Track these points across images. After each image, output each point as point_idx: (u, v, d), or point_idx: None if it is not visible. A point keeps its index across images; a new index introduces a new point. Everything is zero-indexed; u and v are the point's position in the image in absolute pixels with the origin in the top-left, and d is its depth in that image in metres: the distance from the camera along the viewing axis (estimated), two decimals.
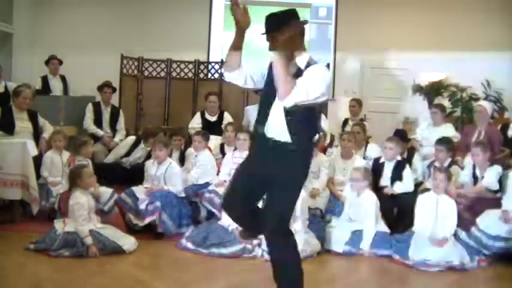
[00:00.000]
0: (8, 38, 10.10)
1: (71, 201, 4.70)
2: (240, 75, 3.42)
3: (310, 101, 3.11)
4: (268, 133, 3.31)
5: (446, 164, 5.71)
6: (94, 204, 4.92)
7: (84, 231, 4.53)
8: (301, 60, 3.31)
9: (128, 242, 4.69)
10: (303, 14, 11.09)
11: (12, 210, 5.54)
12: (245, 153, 6.44)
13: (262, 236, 4.81)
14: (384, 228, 5.10)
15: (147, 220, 5.18)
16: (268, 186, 3.35)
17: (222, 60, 9.39)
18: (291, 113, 3.16)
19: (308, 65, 3.27)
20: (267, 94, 3.34)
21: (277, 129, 3.25)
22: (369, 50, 10.86)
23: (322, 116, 8.03)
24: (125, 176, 6.75)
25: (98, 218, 4.86)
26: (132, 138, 7.52)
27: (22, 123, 6.21)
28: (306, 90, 3.07)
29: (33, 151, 5.71)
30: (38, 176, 5.66)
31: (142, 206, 5.26)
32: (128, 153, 7.30)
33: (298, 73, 3.21)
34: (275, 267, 3.41)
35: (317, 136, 3.40)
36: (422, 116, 8.86)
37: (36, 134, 6.31)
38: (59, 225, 4.65)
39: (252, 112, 7.91)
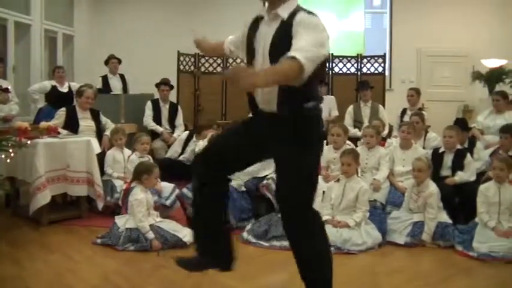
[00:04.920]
0: (69, 40, 10.42)
1: (130, 198, 4.81)
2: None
3: (318, 56, 2.63)
4: (259, 103, 2.95)
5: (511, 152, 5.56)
6: (153, 200, 5.02)
7: (145, 227, 4.63)
8: (284, 8, 2.80)
9: (187, 233, 4.67)
10: (358, 4, 11.05)
11: (79, 206, 5.74)
12: None
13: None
14: (445, 219, 5.00)
15: None
16: (256, 160, 3.19)
17: None
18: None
19: (293, 13, 2.76)
20: (249, 62, 2.96)
21: (264, 99, 2.90)
22: (426, 37, 10.68)
23: (380, 106, 7.94)
24: (184, 172, 6.85)
25: (157, 213, 4.96)
26: (185, 134, 7.63)
27: (85, 122, 6.38)
28: (308, 48, 2.56)
29: (97, 149, 5.91)
30: (102, 172, 5.85)
31: None
32: (184, 149, 7.42)
33: (282, 26, 2.77)
34: (298, 260, 2.95)
35: (311, 103, 2.86)
36: (483, 104, 8.66)
37: (99, 132, 6.49)
38: (120, 222, 4.77)
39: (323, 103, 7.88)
